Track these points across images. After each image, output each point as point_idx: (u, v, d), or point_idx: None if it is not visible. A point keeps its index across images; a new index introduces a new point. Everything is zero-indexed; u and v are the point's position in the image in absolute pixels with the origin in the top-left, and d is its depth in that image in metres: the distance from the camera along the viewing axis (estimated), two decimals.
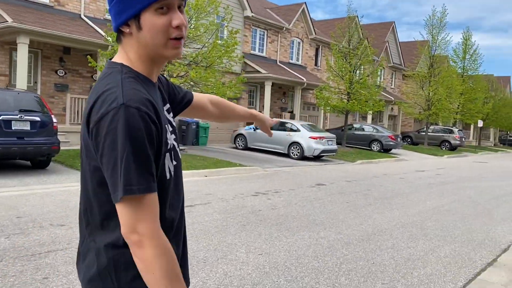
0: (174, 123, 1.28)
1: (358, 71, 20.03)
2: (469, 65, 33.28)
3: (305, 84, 21.36)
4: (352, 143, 23.15)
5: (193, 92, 1.58)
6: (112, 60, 1.18)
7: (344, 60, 19.94)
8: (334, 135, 17.24)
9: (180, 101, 1.49)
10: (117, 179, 1.01)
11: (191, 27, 11.07)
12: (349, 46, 20.05)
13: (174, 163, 1.20)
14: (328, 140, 16.43)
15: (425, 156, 23.52)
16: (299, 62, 24.32)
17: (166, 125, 1.15)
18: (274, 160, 15.30)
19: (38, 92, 13.21)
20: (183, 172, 1.19)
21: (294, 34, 23.64)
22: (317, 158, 17.05)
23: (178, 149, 1.25)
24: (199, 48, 11.74)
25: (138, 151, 1.02)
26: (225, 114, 1.70)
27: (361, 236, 5.74)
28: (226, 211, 6.68)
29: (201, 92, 12.50)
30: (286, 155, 16.48)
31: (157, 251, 1.03)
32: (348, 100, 19.81)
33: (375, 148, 22.52)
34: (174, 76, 11.00)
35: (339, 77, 19.81)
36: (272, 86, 21.96)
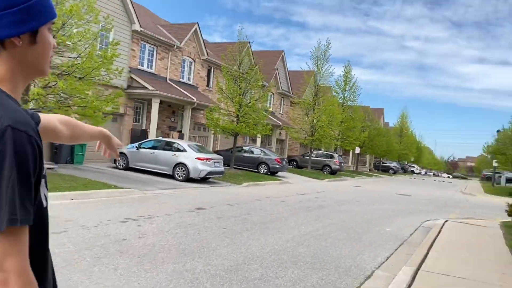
0: None
1: (248, 95, 20.30)
2: (349, 96, 36.26)
3: (196, 104, 21.00)
4: (241, 165, 23.29)
5: (40, 114, 1.41)
6: None
7: (234, 83, 20.08)
8: (222, 157, 17.05)
9: None
10: (12, 202, 0.92)
11: (64, 34, 9.99)
12: (239, 69, 20.28)
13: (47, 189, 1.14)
14: (215, 162, 16.14)
15: (308, 179, 24.59)
16: (191, 82, 23.95)
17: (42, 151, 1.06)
18: (157, 181, 14.50)
19: None
20: None
21: (185, 53, 23.27)
22: (203, 180, 16.63)
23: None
24: (73, 58, 10.66)
25: (23, 179, 0.95)
26: (76, 134, 1.59)
27: (230, 266, 5.38)
28: (83, 241, 5.84)
29: (74, 105, 11.37)
30: (171, 177, 15.77)
31: None
32: (237, 123, 19.89)
33: (262, 170, 22.90)
34: (40, 85, 9.76)
35: (229, 99, 19.85)
36: (160, 104, 21.16)
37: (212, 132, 21.14)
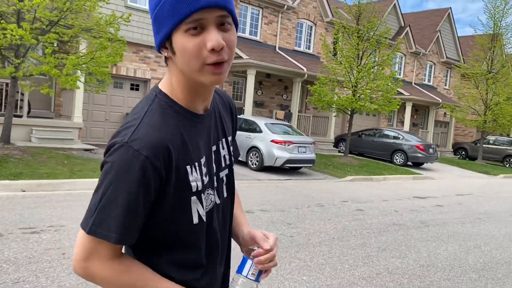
0: (227, 159, 1.17)
1: (368, 60, 15.22)
2: None
3: (306, 75, 16.95)
4: (371, 153, 18.39)
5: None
6: (160, 83, 1.05)
7: (350, 42, 15.23)
8: (312, 141, 12.73)
9: None
10: (91, 211, 0.92)
11: None
12: (357, 25, 15.30)
13: (209, 206, 1.07)
14: (299, 147, 12.02)
15: (470, 174, 17.88)
16: (310, 51, 19.82)
17: (192, 167, 1.01)
18: None
19: None
20: None
21: (303, 15, 19.25)
22: (293, 169, 12.76)
23: (218, 189, 1.13)
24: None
25: (123, 199, 0.90)
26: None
27: None
28: None
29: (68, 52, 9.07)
30: (245, 164, 12.38)
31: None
32: (354, 95, 15.04)
33: (398, 160, 17.49)
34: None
35: (338, 64, 15.16)
36: (268, 77, 17.98)
37: (316, 109, 16.74)
